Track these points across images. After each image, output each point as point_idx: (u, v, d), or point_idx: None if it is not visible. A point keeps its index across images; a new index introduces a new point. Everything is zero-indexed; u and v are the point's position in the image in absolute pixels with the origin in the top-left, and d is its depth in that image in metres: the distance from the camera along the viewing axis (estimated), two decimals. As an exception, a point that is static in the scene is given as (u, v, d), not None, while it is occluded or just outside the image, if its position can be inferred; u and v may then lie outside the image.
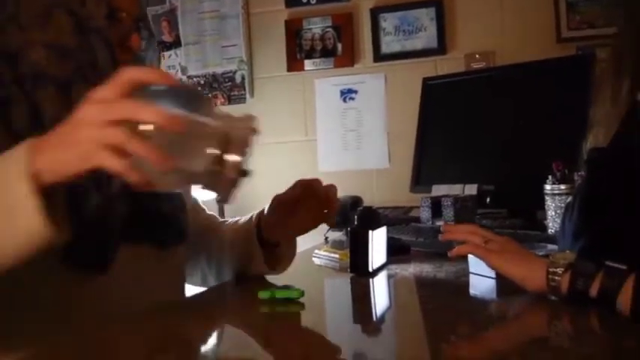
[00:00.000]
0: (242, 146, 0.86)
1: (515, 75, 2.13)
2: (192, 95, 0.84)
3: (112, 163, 0.79)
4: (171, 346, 0.87)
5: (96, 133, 0.79)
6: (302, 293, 1.09)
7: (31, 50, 1.00)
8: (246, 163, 0.86)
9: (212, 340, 0.93)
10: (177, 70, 3.26)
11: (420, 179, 2.27)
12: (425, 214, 1.92)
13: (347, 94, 3.00)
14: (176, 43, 3.26)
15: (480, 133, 2.14)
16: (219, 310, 1.12)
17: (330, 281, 1.25)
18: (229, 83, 3.21)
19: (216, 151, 0.83)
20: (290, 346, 0.89)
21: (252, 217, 1.32)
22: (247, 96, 3.16)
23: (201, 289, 1.34)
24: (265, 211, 1.29)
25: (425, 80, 2.39)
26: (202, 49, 3.24)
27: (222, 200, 0.87)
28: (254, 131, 0.88)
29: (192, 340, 0.92)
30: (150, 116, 0.78)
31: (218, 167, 0.83)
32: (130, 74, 0.81)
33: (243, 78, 3.18)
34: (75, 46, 1.03)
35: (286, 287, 1.12)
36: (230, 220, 1.38)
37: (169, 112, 0.78)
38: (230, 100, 3.20)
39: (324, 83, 3.04)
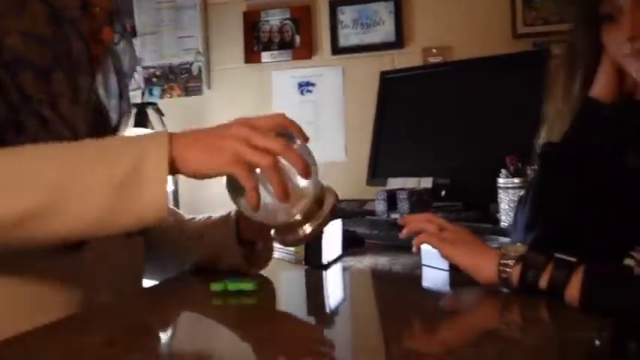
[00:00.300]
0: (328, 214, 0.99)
1: (472, 70, 2.15)
2: (312, 157, 0.97)
3: (247, 176, 0.90)
4: (122, 336, 0.86)
5: (242, 149, 0.90)
6: (255, 285, 1.09)
7: (8, 37, 1.01)
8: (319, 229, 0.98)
9: (162, 332, 0.92)
10: (133, 61, 3.22)
11: (377, 172, 2.28)
12: (380, 207, 1.92)
13: (305, 86, 3.00)
14: (131, 34, 3.22)
15: (436, 127, 2.15)
16: (172, 301, 1.11)
17: (284, 274, 1.25)
18: (186, 75, 3.18)
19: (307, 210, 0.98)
20: (240, 339, 0.88)
21: (230, 213, 1.30)
22: (204, 88, 3.14)
23: (157, 280, 1.33)
24: None
25: (382, 74, 2.40)
26: (159, 39, 3.21)
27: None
28: (337, 202, 1.01)
29: (140, 332, 0.91)
30: (294, 159, 0.91)
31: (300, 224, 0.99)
32: (283, 117, 0.94)
33: (200, 69, 3.15)
34: (50, 35, 1.05)
35: (239, 279, 1.11)
36: (200, 216, 1.37)
37: (306, 162, 0.92)
38: (187, 92, 3.17)
39: (281, 75, 3.03)
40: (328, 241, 1.24)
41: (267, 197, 0.95)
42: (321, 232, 1.02)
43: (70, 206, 0.88)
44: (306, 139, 0.97)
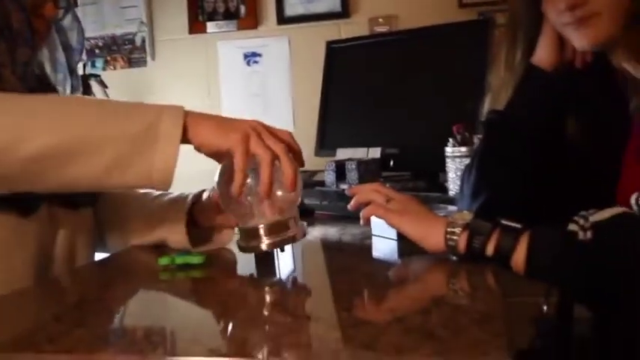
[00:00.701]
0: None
1: (418, 39, 2.16)
2: (300, 183, 1.06)
3: (243, 158, 0.97)
4: (69, 311, 0.85)
5: (252, 135, 0.99)
6: (203, 259, 1.08)
7: None
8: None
9: (109, 307, 0.91)
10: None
11: (325, 143, 2.28)
12: (329, 177, 1.93)
13: (251, 57, 2.97)
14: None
15: (383, 97, 2.16)
16: (121, 275, 1.10)
17: (232, 246, 1.25)
18: (129, 46, 3.12)
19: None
20: (189, 313, 0.88)
21: (185, 194, 1.30)
22: (148, 59, 3.09)
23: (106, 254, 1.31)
24: (205, 195, 1.26)
25: (328, 44, 2.39)
26: (100, 9, 3.14)
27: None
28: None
29: (88, 307, 0.90)
30: (289, 168, 1.00)
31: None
32: (290, 135, 1.06)
33: (143, 40, 3.10)
34: None
35: (187, 253, 1.10)
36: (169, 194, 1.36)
37: (295, 176, 1.01)
38: (130, 64, 3.11)
39: (227, 46, 3.00)
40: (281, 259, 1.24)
41: (248, 195, 1.03)
42: (279, 250, 1.07)
43: (84, 153, 0.94)
44: (302, 164, 1.06)
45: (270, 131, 1.03)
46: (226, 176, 1.04)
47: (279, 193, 1.04)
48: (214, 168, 1.08)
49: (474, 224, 1.01)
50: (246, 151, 0.98)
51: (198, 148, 1.02)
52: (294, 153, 1.05)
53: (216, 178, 1.07)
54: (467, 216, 1.03)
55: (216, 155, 1.03)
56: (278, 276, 1.04)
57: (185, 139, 1.00)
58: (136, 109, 0.99)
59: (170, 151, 0.97)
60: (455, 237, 1.02)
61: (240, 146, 0.98)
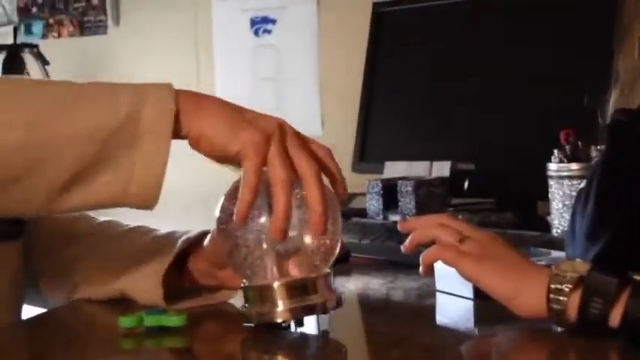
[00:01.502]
0: None
1: (509, 7, 2.15)
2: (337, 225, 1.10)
3: (254, 169, 0.99)
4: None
5: (273, 141, 1.00)
6: (183, 320, 1.08)
7: None
8: None
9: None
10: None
11: (367, 154, 2.28)
12: (373, 204, 1.92)
13: (261, 24, 2.98)
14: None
15: (454, 89, 2.15)
16: (62, 341, 1.10)
17: (229, 304, 1.24)
18: (82, 4, 3.16)
19: None
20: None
21: (181, 234, 1.31)
22: (109, 23, 3.12)
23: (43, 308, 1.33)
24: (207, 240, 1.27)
25: (376, 6, 2.39)
26: (41, -50, 3.18)
27: None
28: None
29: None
30: (316, 198, 1.01)
31: None
32: (329, 153, 1.09)
33: (103, -3, 3.13)
34: None
35: (161, 311, 1.10)
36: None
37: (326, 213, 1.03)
38: (83, 30, 3.14)
39: (226, 7, 3.02)
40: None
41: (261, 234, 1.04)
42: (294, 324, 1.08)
43: (29, 165, 0.96)
44: (343, 201, 1.12)
45: (303, 139, 1.04)
46: (231, 203, 1.04)
47: (307, 238, 1.05)
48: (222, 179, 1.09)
49: (592, 280, 1.00)
50: (262, 159, 0.99)
51: (195, 146, 1.04)
52: (333, 179, 1.07)
53: (217, 209, 1.08)
54: (580, 266, 1.02)
55: (221, 160, 1.04)
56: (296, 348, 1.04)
57: (177, 133, 1.01)
58: (104, 92, 1.00)
59: (156, 153, 0.99)
60: (562, 297, 1.01)
61: (253, 152, 0.99)
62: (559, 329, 1.03)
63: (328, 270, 1.08)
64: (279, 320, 1.04)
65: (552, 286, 1.02)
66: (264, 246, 1.05)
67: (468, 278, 1.11)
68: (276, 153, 0.99)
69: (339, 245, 1.09)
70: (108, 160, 0.97)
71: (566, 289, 1.01)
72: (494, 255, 1.10)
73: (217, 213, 1.08)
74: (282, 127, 1.02)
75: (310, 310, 1.05)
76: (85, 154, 0.97)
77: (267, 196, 1.02)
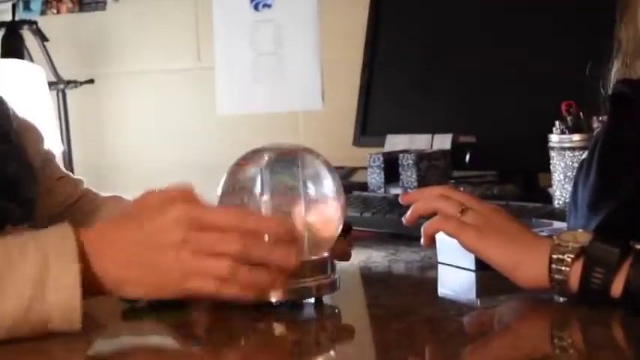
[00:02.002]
0: None
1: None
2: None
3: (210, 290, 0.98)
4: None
5: (196, 264, 0.98)
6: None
7: None
8: None
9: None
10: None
11: (368, 127, 2.27)
12: (375, 178, 1.92)
13: (260, -2, 2.97)
14: None
15: (456, 61, 2.15)
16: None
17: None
18: (81, -20, 3.14)
19: None
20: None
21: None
22: (109, 0, 3.10)
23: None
24: None
25: (376, -21, 2.38)
26: None
27: None
28: None
29: None
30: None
31: None
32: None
33: (102, -28, 3.12)
34: None
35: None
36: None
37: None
38: (82, 6, 3.13)
39: (225, -18, 3.01)
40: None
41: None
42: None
43: None
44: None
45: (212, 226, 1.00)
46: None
47: (312, 217, 1.05)
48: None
49: (594, 250, 1.00)
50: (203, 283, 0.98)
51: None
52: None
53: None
54: (582, 237, 1.02)
55: None
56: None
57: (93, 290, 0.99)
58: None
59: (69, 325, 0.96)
60: (564, 267, 1.00)
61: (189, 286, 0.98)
62: (561, 300, 1.03)
63: (326, 254, 1.09)
64: (272, 300, 1.04)
65: (554, 256, 1.02)
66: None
67: (469, 249, 1.11)
68: (196, 270, 0.98)
69: (339, 230, 1.09)
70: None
71: (568, 259, 1.01)
72: (496, 226, 1.10)
73: (221, 185, 1.08)
74: (185, 236, 0.99)
75: (304, 293, 1.06)
76: None
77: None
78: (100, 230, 1.02)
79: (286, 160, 1.07)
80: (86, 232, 1.00)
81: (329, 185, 1.08)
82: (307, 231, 1.05)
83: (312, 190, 1.06)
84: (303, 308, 1.06)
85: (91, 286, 0.97)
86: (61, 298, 0.95)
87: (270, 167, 1.05)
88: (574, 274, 1.00)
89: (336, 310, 1.10)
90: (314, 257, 1.07)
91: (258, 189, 1.05)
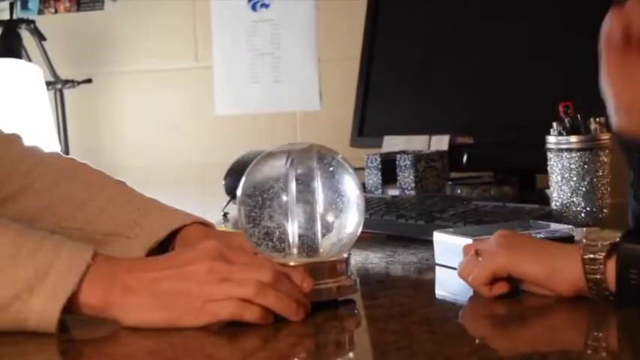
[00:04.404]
0: None
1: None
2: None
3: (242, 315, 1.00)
4: None
5: (220, 290, 1.00)
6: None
7: None
8: None
9: None
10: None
11: (366, 128, 2.27)
12: (372, 178, 1.92)
13: (258, -1, 2.97)
14: None
15: (453, 62, 2.15)
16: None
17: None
18: (79, -21, 3.14)
19: None
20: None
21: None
22: (106, -1, 3.10)
23: None
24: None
25: (374, -21, 2.38)
26: None
27: None
28: None
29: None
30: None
31: None
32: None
33: (99, -29, 3.11)
34: None
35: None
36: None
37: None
38: (79, 5, 3.13)
39: (223, -18, 3.00)
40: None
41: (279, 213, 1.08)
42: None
43: None
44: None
45: (242, 265, 1.04)
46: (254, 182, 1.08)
47: (331, 218, 1.07)
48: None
49: (626, 250, 0.99)
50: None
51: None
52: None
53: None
54: (608, 234, 1.01)
55: None
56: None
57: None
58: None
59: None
60: (598, 266, 0.99)
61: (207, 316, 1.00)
62: (556, 302, 1.03)
63: (346, 255, 1.09)
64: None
65: (586, 256, 1.01)
66: (286, 225, 1.06)
67: (505, 273, 1.08)
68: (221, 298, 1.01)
69: (359, 232, 1.10)
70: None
71: (600, 257, 0.99)
72: (517, 245, 1.10)
73: (241, 187, 1.10)
74: (212, 266, 1.02)
75: (324, 294, 1.07)
76: None
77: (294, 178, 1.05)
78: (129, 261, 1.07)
79: (307, 160, 1.07)
80: (112, 262, 1.04)
81: (350, 184, 1.08)
82: (328, 231, 1.07)
83: (333, 189, 1.06)
84: (321, 309, 1.07)
85: (92, 307, 1.00)
86: (42, 306, 0.97)
87: (290, 167, 1.05)
88: (609, 272, 0.99)
89: (355, 311, 1.11)
90: (334, 258, 1.08)
91: (280, 189, 1.05)
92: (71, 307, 0.99)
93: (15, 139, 1.43)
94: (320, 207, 1.06)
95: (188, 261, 1.02)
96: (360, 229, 1.10)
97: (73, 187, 1.38)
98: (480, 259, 1.10)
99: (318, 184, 1.06)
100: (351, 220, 1.08)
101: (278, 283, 1.01)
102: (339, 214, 1.07)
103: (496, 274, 1.08)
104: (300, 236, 1.07)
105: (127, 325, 1.00)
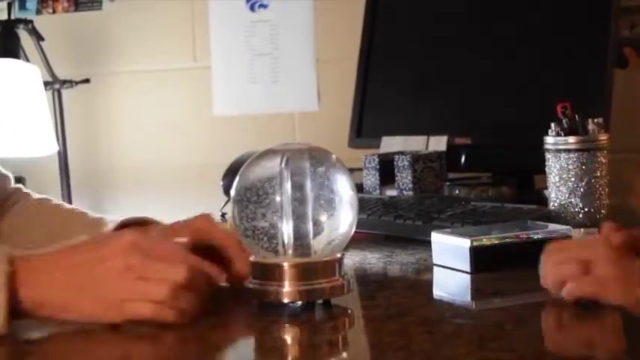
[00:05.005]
0: None
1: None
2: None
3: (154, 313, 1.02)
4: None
5: (136, 288, 1.02)
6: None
7: None
8: None
9: None
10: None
11: (364, 128, 2.27)
12: (370, 179, 1.92)
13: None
14: None
15: (451, 63, 2.15)
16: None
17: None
18: (77, -21, 3.14)
19: None
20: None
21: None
22: (105, -1, 3.10)
23: None
24: None
25: (373, -20, 2.38)
26: None
27: None
28: None
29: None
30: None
31: None
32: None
33: (98, -28, 3.11)
34: None
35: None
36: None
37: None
38: (77, 5, 3.13)
39: (221, -18, 3.00)
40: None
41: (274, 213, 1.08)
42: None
43: None
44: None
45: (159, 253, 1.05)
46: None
47: (324, 218, 1.07)
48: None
49: None
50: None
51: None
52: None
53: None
54: None
55: None
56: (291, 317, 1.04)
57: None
58: None
59: None
60: None
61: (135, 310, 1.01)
62: (554, 302, 1.03)
63: (339, 255, 1.09)
64: (285, 300, 1.05)
65: None
66: (279, 225, 1.06)
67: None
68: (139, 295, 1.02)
69: (352, 232, 1.10)
70: None
71: None
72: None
73: (235, 187, 1.10)
74: (132, 259, 1.03)
75: (317, 294, 1.07)
76: None
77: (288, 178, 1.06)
78: (45, 256, 1.05)
79: (300, 160, 1.08)
80: (27, 258, 1.03)
81: (343, 184, 1.08)
82: (320, 231, 1.07)
83: (326, 189, 1.07)
84: (313, 309, 1.07)
85: (24, 310, 1.00)
86: None
87: (284, 167, 1.06)
88: None
89: (349, 311, 1.11)
90: (327, 258, 1.07)
91: (273, 189, 1.05)
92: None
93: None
94: (312, 207, 1.06)
95: (102, 257, 1.02)
96: (353, 230, 1.10)
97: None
98: (587, 274, 1.05)
99: (310, 185, 1.06)
100: (344, 221, 1.08)
101: (192, 281, 1.02)
102: (332, 214, 1.07)
103: (597, 298, 1.03)
104: (293, 236, 1.07)
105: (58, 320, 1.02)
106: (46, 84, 2.78)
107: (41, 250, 1.06)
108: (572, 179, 1.55)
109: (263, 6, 2.97)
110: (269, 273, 1.07)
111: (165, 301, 1.00)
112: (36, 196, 1.53)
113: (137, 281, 1.01)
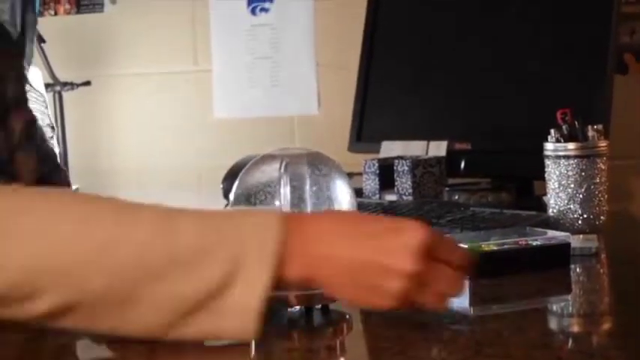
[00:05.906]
0: None
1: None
2: None
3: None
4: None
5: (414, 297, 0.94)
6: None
7: None
8: None
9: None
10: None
11: (364, 133, 2.27)
12: (370, 184, 1.91)
13: (257, 3, 2.97)
14: None
15: (451, 68, 2.15)
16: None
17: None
18: (78, -18, 3.14)
19: None
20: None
21: None
22: (106, 1, 3.10)
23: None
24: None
25: (374, -16, 2.38)
26: None
27: None
28: None
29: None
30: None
31: None
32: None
33: (100, -26, 3.11)
34: None
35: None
36: None
37: None
38: (79, 8, 3.13)
39: (223, -14, 3.00)
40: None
41: None
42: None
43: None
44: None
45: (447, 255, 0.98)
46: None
47: None
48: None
49: None
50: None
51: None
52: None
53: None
54: None
55: None
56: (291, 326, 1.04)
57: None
58: (199, 254, 0.91)
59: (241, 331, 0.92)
60: None
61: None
62: (552, 308, 1.03)
63: None
64: (293, 305, 1.05)
65: None
66: None
67: None
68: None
69: None
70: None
71: None
72: None
73: (234, 191, 1.10)
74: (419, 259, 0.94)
75: (316, 299, 1.05)
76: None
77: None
78: (322, 223, 0.96)
79: (299, 165, 1.07)
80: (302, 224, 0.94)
81: (342, 190, 1.08)
82: None
83: (324, 194, 1.06)
84: (312, 315, 1.06)
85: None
86: (240, 303, 0.91)
87: (283, 172, 1.05)
88: None
89: (347, 317, 1.10)
90: None
91: (272, 194, 1.05)
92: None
93: None
94: (311, 212, 1.06)
95: (391, 251, 0.94)
96: None
97: None
98: None
99: (309, 190, 1.06)
100: None
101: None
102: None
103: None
104: None
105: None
106: (47, 86, 2.78)
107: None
108: (572, 185, 1.55)
109: (264, 10, 2.98)
110: None
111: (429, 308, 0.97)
112: None
113: (418, 289, 0.94)
